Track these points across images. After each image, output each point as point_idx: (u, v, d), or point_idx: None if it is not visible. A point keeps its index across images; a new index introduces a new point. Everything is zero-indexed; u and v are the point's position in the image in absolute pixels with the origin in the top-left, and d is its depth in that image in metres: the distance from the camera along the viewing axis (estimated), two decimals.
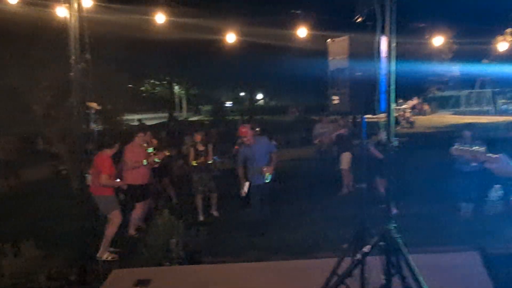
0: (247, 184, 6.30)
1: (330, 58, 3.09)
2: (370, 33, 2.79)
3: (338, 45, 3.00)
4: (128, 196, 6.66)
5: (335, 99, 3.01)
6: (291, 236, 6.04)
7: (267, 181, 6.31)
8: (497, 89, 33.72)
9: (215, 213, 7.39)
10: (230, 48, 12.16)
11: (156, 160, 6.71)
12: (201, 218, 7.17)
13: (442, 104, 37.36)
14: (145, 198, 6.60)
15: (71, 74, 3.55)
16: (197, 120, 27.49)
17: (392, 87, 2.62)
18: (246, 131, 6.20)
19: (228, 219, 7.10)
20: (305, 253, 5.33)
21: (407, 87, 20.57)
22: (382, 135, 7.07)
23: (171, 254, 4.51)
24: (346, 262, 3.19)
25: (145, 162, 6.36)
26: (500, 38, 16.25)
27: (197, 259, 4.83)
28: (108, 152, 5.48)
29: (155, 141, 7.38)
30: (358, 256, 2.84)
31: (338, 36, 3.06)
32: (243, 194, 6.34)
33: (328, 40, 3.15)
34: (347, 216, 6.95)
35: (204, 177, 7.15)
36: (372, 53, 2.76)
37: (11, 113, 8.30)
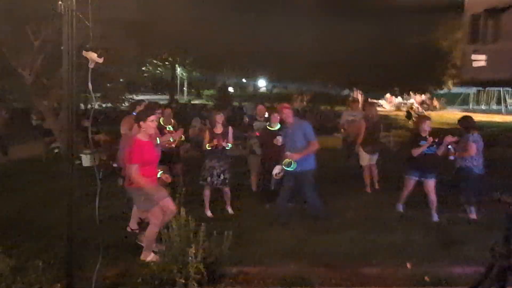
0: (278, 167, 6.00)
1: None
2: None
3: None
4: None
5: (479, 60, 1.89)
6: (329, 242, 5.00)
7: (288, 168, 5.74)
8: (507, 88, 32.95)
9: (230, 210, 6.34)
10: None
11: (171, 139, 5.72)
12: (209, 213, 6.17)
13: (450, 101, 36.46)
14: None
15: (60, 13, 2.31)
16: (200, 103, 26.36)
17: None
18: (287, 110, 5.89)
19: (248, 216, 6.03)
20: (354, 265, 4.30)
21: (424, 76, 19.06)
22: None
23: (188, 268, 3.40)
24: None
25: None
26: None
27: (220, 272, 3.75)
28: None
29: (173, 121, 6.58)
30: None
31: None
32: (275, 177, 6.16)
33: None
34: (371, 220, 5.97)
35: (218, 165, 6.12)
36: None
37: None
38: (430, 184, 6.01)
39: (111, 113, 14.40)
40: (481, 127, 20.22)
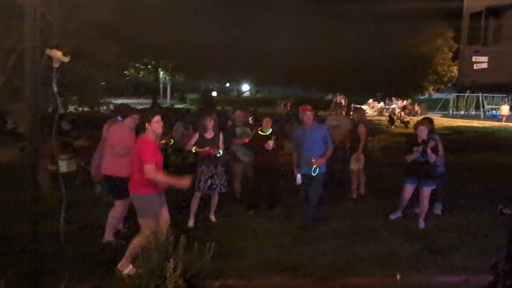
0: (299, 176, 5.91)
1: None
2: None
3: None
4: (108, 191, 5.35)
5: (481, 62, 1.73)
6: (316, 251, 4.82)
7: (314, 174, 5.70)
8: (485, 94, 33.68)
9: (213, 218, 6.07)
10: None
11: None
12: (191, 223, 5.80)
13: (430, 106, 37.04)
14: (127, 195, 5.23)
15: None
16: (183, 108, 26.02)
17: None
18: (309, 112, 5.73)
19: (231, 225, 5.81)
20: (337, 276, 4.13)
21: (406, 82, 19.32)
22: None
23: (166, 283, 3.17)
24: None
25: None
26: None
27: (201, 286, 3.52)
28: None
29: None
30: None
31: None
32: (299, 183, 6.02)
33: None
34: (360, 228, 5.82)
35: (215, 171, 5.84)
36: None
37: None
38: (425, 192, 5.89)
39: (92, 117, 14.01)
40: (461, 132, 20.72)
